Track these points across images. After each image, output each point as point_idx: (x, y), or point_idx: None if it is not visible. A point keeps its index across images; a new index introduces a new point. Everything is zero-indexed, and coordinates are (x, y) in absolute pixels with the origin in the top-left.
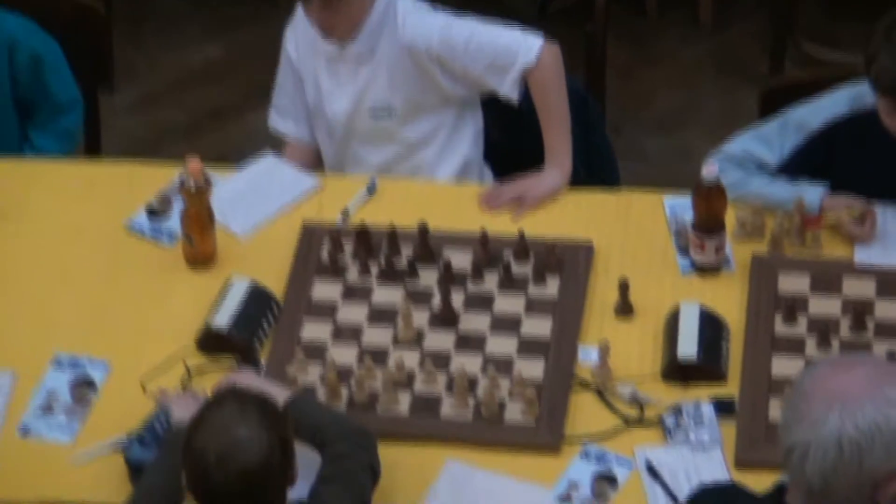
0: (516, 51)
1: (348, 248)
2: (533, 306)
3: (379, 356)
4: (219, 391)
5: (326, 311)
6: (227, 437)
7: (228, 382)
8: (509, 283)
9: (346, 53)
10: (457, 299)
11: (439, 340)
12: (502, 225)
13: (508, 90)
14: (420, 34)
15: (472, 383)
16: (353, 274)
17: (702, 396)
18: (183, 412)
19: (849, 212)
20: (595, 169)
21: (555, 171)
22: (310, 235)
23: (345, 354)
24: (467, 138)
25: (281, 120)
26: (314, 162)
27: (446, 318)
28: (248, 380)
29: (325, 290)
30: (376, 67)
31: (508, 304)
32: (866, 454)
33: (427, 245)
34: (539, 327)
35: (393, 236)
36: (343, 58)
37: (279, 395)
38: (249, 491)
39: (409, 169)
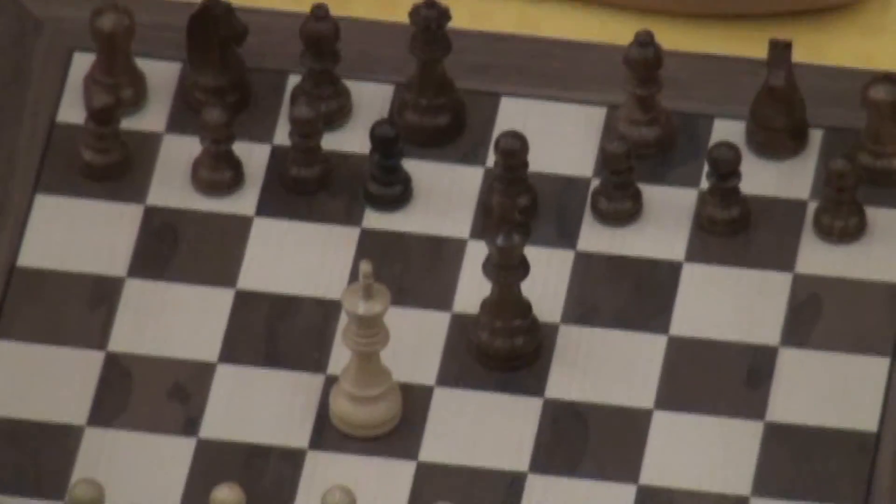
0: None
1: (160, 99)
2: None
3: (271, 475)
4: None
5: (75, 311)
6: None
7: None
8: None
9: None
10: (541, 284)
11: (465, 426)
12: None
13: None
14: None
15: None
16: (174, 178)
17: None
18: None
19: None
20: None
21: None
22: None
23: (151, 471)
24: None
25: None
26: None
27: (494, 350)
28: None
29: (71, 230)
30: None
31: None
32: None
33: (445, 84)
34: (803, 396)
35: (320, 47)
36: None
37: None
38: None
39: None
